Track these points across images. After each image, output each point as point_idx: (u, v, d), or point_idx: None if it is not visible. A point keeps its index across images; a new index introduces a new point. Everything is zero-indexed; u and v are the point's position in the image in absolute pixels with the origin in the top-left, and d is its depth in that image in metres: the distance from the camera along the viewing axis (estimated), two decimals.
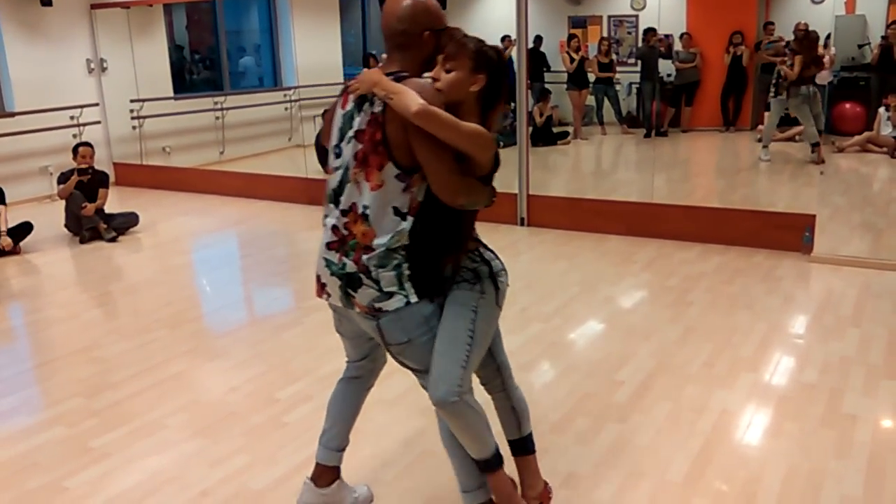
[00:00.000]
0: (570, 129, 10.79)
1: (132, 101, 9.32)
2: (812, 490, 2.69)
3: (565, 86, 10.95)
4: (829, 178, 7.82)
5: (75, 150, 6.79)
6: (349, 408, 2.57)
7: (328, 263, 2.22)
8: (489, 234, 2.45)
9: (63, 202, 6.69)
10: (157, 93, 9.59)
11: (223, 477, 2.89)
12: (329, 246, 2.22)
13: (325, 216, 2.26)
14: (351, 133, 2.17)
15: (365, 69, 2.40)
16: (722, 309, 4.49)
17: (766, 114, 10.22)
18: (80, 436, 3.24)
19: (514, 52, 6.58)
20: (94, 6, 8.98)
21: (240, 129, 10.57)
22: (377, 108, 2.09)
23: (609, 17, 12.05)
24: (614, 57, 11.22)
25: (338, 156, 2.22)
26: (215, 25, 11.09)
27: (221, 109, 10.29)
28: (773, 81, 8.53)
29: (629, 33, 11.76)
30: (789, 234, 5.47)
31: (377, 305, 2.15)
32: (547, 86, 10.94)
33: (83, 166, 6.64)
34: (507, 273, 2.31)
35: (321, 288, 2.29)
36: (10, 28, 8.26)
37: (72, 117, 8.64)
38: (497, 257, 2.31)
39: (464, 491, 2.35)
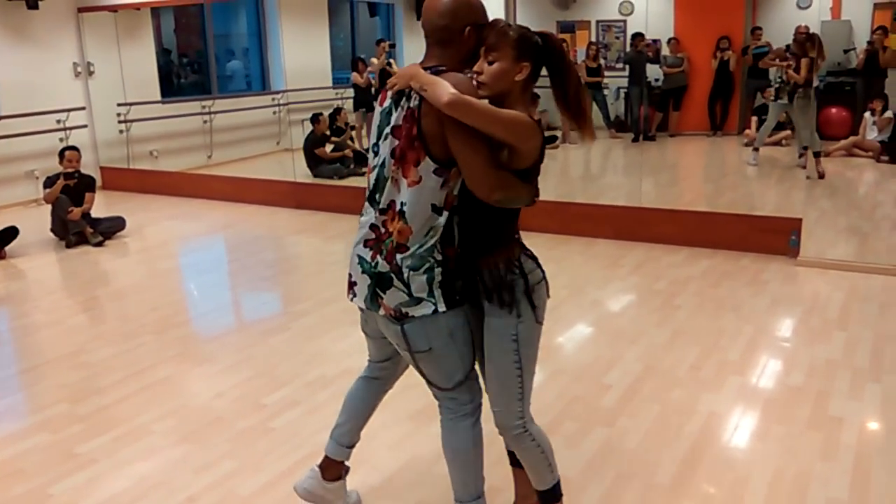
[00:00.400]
0: (559, 134, 10.82)
1: (119, 104, 9.29)
2: (798, 492, 2.70)
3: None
4: (816, 182, 7.87)
5: (62, 153, 6.75)
6: (365, 407, 2.54)
7: (361, 261, 2.19)
8: None
9: (49, 206, 6.65)
10: (145, 96, 9.55)
11: (210, 483, 2.88)
12: (365, 244, 2.18)
13: (362, 215, 2.22)
14: (388, 130, 2.12)
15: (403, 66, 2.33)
16: (709, 312, 4.51)
17: (753, 118, 10.31)
18: (65, 442, 3.22)
19: None
20: (80, 9, 8.94)
21: (228, 133, 10.54)
22: (413, 103, 2.04)
23: (597, 21, 12.10)
24: (602, 62, 11.27)
25: (375, 154, 2.18)
26: (203, 29, 11.07)
27: (209, 113, 10.26)
28: (775, 86, 8.54)
29: (617, 38, 11.81)
30: (776, 237, 5.50)
31: (404, 310, 2.11)
32: (535, 90, 10.95)
33: (70, 170, 6.61)
34: (547, 284, 2.23)
35: (350, 287, 2.26)
36: None
37: (58, 121, 8.59)
38: (538, 266, 2.21)
39: (458, 501, 2.33)
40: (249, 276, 5.75)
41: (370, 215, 2.18)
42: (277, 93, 11.10)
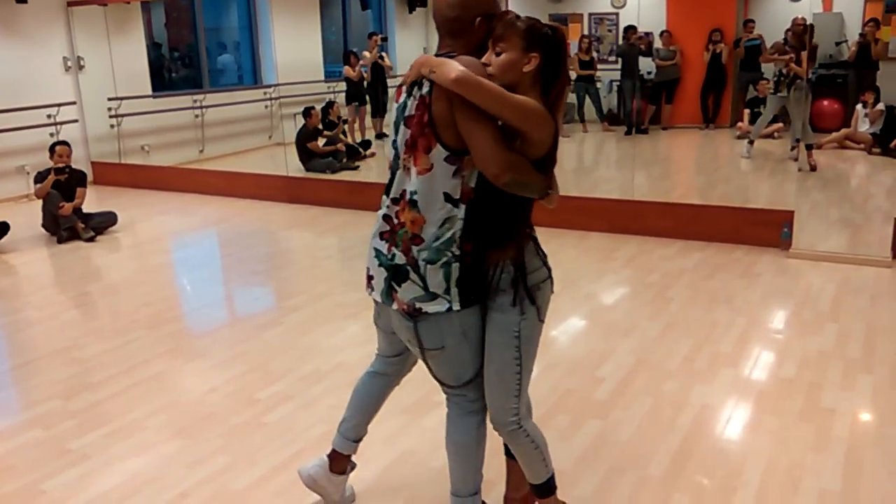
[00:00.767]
0: None
1: (110, 99, 9.24)
2: (791, 483, 2.71)
3: None
4: (808, 174, 7.89)
5: (52, 148, 6.72)
6: (372, 402, 2.53)
7: (377, 254, 2.16)
8: None
9: (40, 202, 6.61)
10: (136, 91, 9.50)
11: (203, 478, 2.87)
12: (381, 236, 2.16)
13: (380, 208, 2.20)
14: (402, 121, 2.10)
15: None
16: (702, 305, 4.52)
17: (746, 111, 10.32)
18: (57, 438, 3.21)
19: None
20: (70, 3, 8.87)
21: (219, 128, 10.50)
22: (425, 90, 2.02)
23: (590, 14, 12.10)
24: (595, 55, 11.26)
25: (393, 148, 2.16)
26: (194, 22, 11.01)
27: (201, 107, 10.22)
28: (774, 79, 8.54)
29: (610, 31, 11.80)
30: (768, 230, 5.52)
31: (418, 305, 2.09)
32: None
33: (60, 165, 6.57)
34: (551, 281, 2.23)
35: (368, 281, 2.24)
36: None
37: (49, 116, 8.54)
38: (545, 264, 2.21)
39: (455, 494, 2.33)
40: (242, 271, 5.73)
41: (384, 206, 2.17)
42: (269, 87, 11.06)
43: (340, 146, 9.50)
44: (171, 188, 8.71)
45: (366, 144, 10.30)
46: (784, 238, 5.43)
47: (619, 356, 3.83)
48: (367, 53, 10.47)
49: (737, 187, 7.90)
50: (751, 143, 8.84)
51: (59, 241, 6.49)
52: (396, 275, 2.11)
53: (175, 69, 11.62)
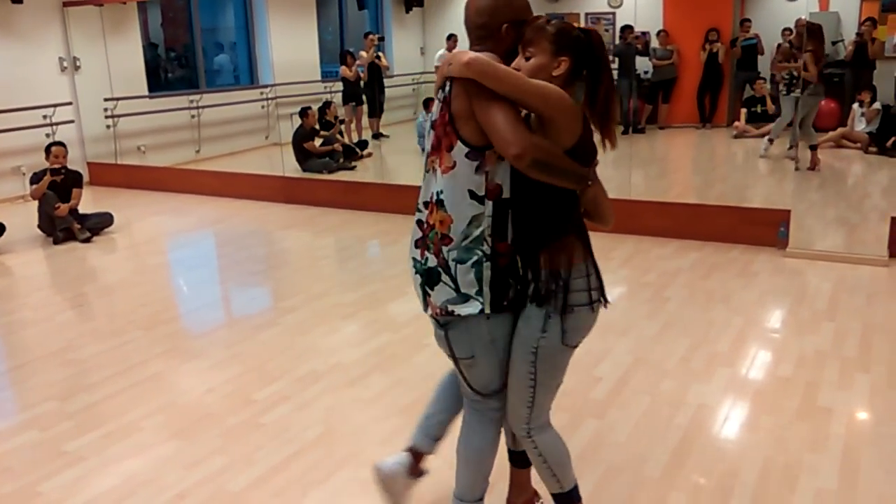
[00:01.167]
0: None
1: (106, 99, 9.22)
2: (788, 482, 2.71)
3: None
4: (805, 173, 7.90)
5: (48, 149, 6.70)
6: (457, 402, 2.43)
7: (413, 263, 2.16)
8: None
9: (36, 203, 6.60)
10: (132, 91, 9.49)
11: (200, 479, 2.87)
12: (416, 244, 2.15)
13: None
14: (431, 127, 2.11)
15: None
16: (699, 304, 4.52)
17: (742, 110, 10.33)
18: (54, 439, 3.20)
19: None
20: (66, 4, 8.85)
21: (216, 128, 10.50)
22: (446, 91, 2.03)
23: (586, 14, 12.12)
24: None
25: (425, 155, 2.16)
26: (190, 23, 11.01)
27: (197, 108, 10.21)
28: (786, 80, 8.51)
29: (606, 30, 11.81)
30: (765, 229, 5.52)
31: (450, 307, 2.06)
32: None
33: (56, 166, 6.56)
34: (593, 310, 2.14)
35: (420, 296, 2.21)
36: None
37: (44, 116, 8.52)
38: (590, 288, 2.12)
39: (459, 499, 2.32)
40: (239, 272, 5.73)
41: (417, 213, 2.16)
42: (266, 87, 11.06)
43: (337, 146, 9.50)
44: (168, 189, 8.70)
45: (362, 144, 10.30)
46: (781, 237, 5.43)
47: (616, 355, 3.83)
48: (363, 53, 10.47)
49: (733, 187, 7.91)
50: (770, 142, 8.83)
51: (55, 242, 6.48)
52: (429, 278, 2.10)
53: (171, 69, 11.61)
